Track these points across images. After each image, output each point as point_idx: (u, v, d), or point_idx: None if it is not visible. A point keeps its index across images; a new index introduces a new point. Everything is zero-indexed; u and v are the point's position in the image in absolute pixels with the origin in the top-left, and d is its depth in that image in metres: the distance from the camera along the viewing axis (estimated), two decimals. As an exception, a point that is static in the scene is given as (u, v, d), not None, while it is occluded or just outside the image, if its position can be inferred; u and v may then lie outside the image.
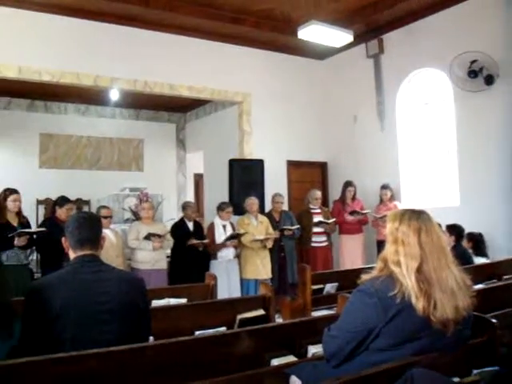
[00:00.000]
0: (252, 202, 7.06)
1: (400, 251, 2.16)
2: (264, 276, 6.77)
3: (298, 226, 7.29)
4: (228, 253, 6.76)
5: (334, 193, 8.88)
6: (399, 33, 8.10)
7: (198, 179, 12.81)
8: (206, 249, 6.77)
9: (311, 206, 7.70)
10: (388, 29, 8.21)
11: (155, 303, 3.87)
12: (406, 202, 7.91)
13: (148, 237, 6.23)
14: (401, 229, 2.19)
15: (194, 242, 6.63)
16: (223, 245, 6.69)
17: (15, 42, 6.77)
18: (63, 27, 7.12)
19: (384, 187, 7.65)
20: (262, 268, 6.84)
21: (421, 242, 2.14)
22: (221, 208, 6.95)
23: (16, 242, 5.27)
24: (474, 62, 6.74)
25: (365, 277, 2.23)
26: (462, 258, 4.66)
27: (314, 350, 2.78)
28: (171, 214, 10.48)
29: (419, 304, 2.04)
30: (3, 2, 6.68)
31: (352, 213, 7.59)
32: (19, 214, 5.64)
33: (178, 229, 6.86)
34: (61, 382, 2.13)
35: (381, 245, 7.13)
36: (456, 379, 2.11)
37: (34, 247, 5.88)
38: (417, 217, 2.21)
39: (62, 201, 6.05)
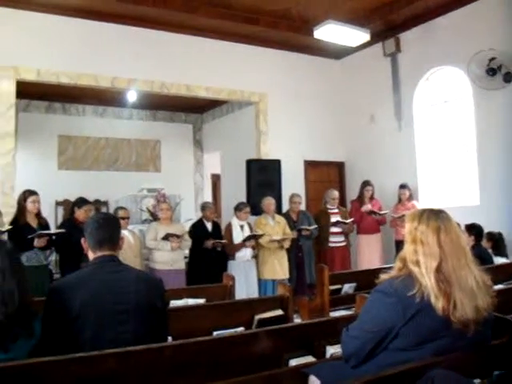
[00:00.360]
0: (269, 202, 7.06)
1: (419, 251, 2.14)
2: (282, 276, 6.76)
3: (316, 226, 7.27)
4: (246, 253, 6.76)
5: (352, 193, 8.85)
6: (416, 31, 8.05)
7: (216, 180, 12.84)
8: (223, 249, 6.78)
9: (329, 206, 7.68)
10: (405, 27, 8.15)
11: (173, 303, 3.88)
12: (425, 201, 7.84)
13: (166, 237, 6.24)
14: (420, 228, 2.18)
15: (210, 243, 6.64)
16: (241, 245, 6.69)
17: (34, 45, 6.85)
18: (81, 30, 7.18)
19: (402, 187, 7.60)
20: (279, 268, 6.83)
21: (440, 242, 2.12)
22: (238, 208, 6.95)
23: (36, 243, 5.32)
24: (492, 59, 6.68)
25: (383, 276, 2.22)
26: (482, 257, 4.61)
27: (333, 350, 2.77)
28: (189, 215, 10.50)
29: (439, 304, 2.03)
30: (21, 5, 6.75)
31: (370, 213, 7.55)
32: (38, 215, 5.70)
33: (197, 229, 6.87)
34: (80, 382, 2.15)
35: (399, 245, 7.09)
36: (477, 381, 2.09)
37: (53, 248, 5.94)
38: (436, 216, 2.19)
39: (81, 202, 6.09)
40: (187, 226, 7.18)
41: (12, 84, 6.75)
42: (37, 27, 6.90)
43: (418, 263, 2.13)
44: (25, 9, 6.79)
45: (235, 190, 9.03)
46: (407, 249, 2.21)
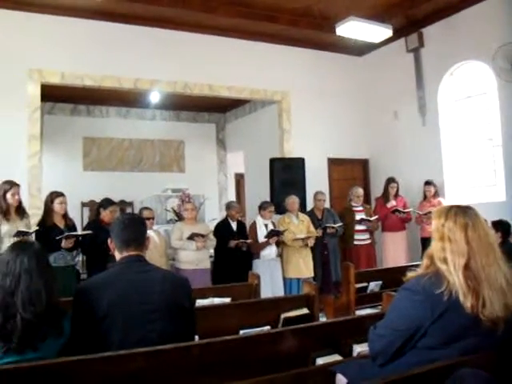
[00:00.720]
0: (293, 200, 7.04)
1: (446, 248, 2.11)
2: (306, 275, 6.74)
3: (341, 224, 7.24)
4: (270, 252, 6.75)
5: (376, 190, 8.78)
6: (439, 26, 7.95)
7: (239, 179, 12.86)
8: (248, 248, 6.79)
9: (353, 204, 7.64)
10: (427, 22, 8.07)
11: (199, 303, 3.90)
12: (450, 198, 7.76)
13: (191, 237, 6.27)
14: (447, 225, 2.15)
15: (234, 243, 6.65)
16: (266, 243, 6.68)
17: (57, 48, 6.94)
18: (103, 32, 7.25)
19: (427, 183, 7.52)
20: (304, 267, 6.82)
21: (468, 239, 2.09)
22: (263, 207, 6.95)
23: (63, 244, 5.39)
24: (518, 52, 6.59)
25: (411, 274, 2.20)
26: (510, 254, 4.54)
27: (360, 348, 2.76)
28: (213, 214, 10.53)
29: (467, 302, 2.00)
30: (44, 9, 6.84)
31: (394, 211, 7.48)
32: (65, 216, 5.77)
33: (222, 229, 6.89)
34: (109, 380, 2.18)
35: (425, 242, 7.03)
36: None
37: (80, 249, 6.01)
38: (463, 213, 2.16)
39: (106, 203, 6.14)
40: (212, 226, 7.21)
41: (37, 87, 6.84)
42: (60, 31, 6.99)
43: (445, 260, 2.10)
44: (48, 13, 6.88)
45: (259, 189, 9.03)
46: (434, 246, 2.18)
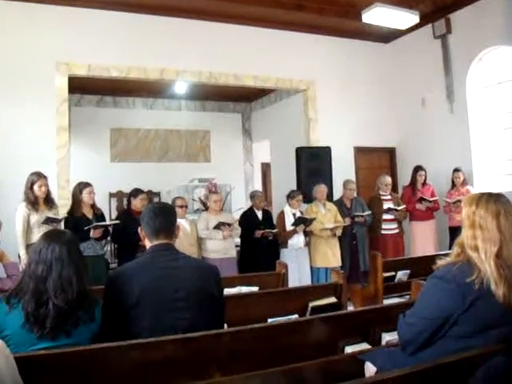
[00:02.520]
0: (322, 189, 7.01)
1: (478, 236, 2.09)
2: (334, 264, 6.71)
3: (370, 212, 7.19)
4: (298, 241, 6.75)
5: (403, 179, 8.69)
6: (467, 11, 7.78)
7: (265, 168, 12.85)
8: (275, 238, 6.79)
9: (381, 193, 7.57)
10: (455, 7, 7.90)
11: (227, 291, 3.91)
12: (479, 186, 7.63)
13: (218, 226, 6.31)
14: (478, 213, 2.12)
15: (259, 233, 6.66)
16: (293, 231, 6.68)
17: (84, 40, 6.99)
18: (128, 23, 7.28)
19: (456, 170, 7.41)
20: (331, 256, 6.80)
21: (500, 226, 2.06)
22: (291, 196, 6.95)
23: (91, 234, 5.47)
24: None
25: (441, 262, 2.18)
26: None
27: (389, 337, 2.75)
28: (239, 204, 10.56)
29: (499, 291, 1.98)
30: (70, 2, 6.90)
31: (420, 200, 7.40)
32: (93, 206, 5.85)
33: (248, 218, 6.92)
34: (139, 367, 2.22)
35: (453, 231, 6.96)
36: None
37: (109, 239, 6.09)
38: (495, 200, 2.13)
39: (136, 192, 6.27)
40: (237, 215, 7.23)
41: (64, 80, 6.91)
42: (86, 23, 7.03)
43: (476, 249, 2.08)
44: (74, 5, 6.93)
45: (285, 178, 9.01)
46: (465, 234, 2.15)
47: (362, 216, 7.08)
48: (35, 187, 5.37)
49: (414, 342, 2.14)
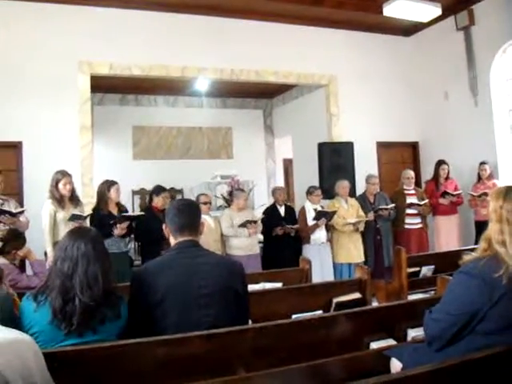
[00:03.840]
0: (345, 185, 6.98)
1: (505, 230, 2.06)
2: (357, 260, 6.68)
3: (393, 205, 7.14)
4: (320, 236, 6.74)
5: (426, 174, 8.60)
6: (490, 2, 7.65)
7: (287, 164, 12.84)
8: (297, 233, 6.79)
9: (405, 187, 7.52)
10: (478, -2, 7.82)
11: (251, 288, 3.91)
12: (506, 180, 7.52)
13: (244, 224, 6.33)
14: (505, 207, 2.09)
15: (280, 231, 6.66)
16: (315, 226, 6.66)
17: (105, 39, 7.04)
18: (150, 22, 7.32)
19: (483, 163, 7.31)
20: (355, 252, 6.77)
21: (528, 221, 2.04)
22: (309, 192, 6.94)
23: (116, 231, 5.50)
24: None
25: (467, 258, 2.15)
26: None
27: (414, 333, 2.74)
28: (262, 200, 10.57)
29: (527, 286, 1.95)
30: (92, 2, 6.96)
31: (443, 194, 7.32)
32: (118, 203, 5.90)
33: (270, 214, 6.92)
34: (165, 363, 2.24)
35: (479, 226, 6.87)
36: None
37: (133, 236, 6.13)
38: (523, 194, 2.10)
39: (158, 189, 6.31)
40: (260, 212, 7.23)
41: (87, 79, 6.98)
42: (108, 22, 7.09)
43: (504, 243, 2.05)
44: (96, 5, 7.00)
45: (307, 174, 8.98)
46: (492, 228, 2.12)
47: (386, 209, 7.04)
48: (60, 185, 5.43)
49: (440, 338, 2.12)
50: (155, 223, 5.61)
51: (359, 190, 7.65)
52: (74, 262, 2.37)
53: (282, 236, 6.69)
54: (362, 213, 6.94)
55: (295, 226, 6.73)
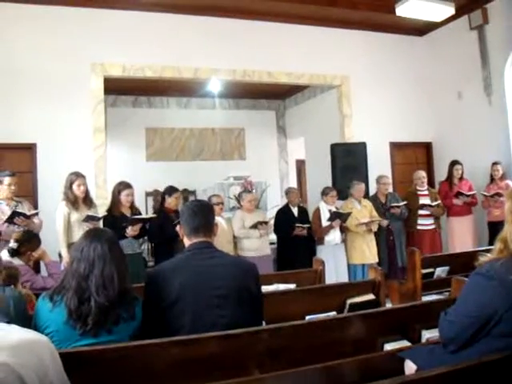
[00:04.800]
0: (361, 188, 6.98)
1: (521, 231, 2.04)
2: (371, 260, 6.68)
3: (405, 202, 7.15)
4: (334, 237, 6.73)
5: (440, 174, 8.55)
6: (504, 0, 7.60)
7: (300, 165, 12.82)
8: (310, 234, 6.78)
9: (418, 188, 7.49)
10: (492, -3, 7.77)
11: (264, 289, 3.90)
12: (520, 180, 7.47)
13: (255, 225, 6.34)
14: (521, 207, 2.07)
15: (295, 232, 6.65)
16: (329, 227, 6.65)
17: (118, 41, 7.09)
18: (161, 24, 7.35)
19: (495, 163, 7.28)
20: (368, 252, 6.76)
21: (543, 221, 2.02)
22: (325, 193, 6.93)
23: (129, 231, 5.51)
24: None
25: (483, 259, 2.13)
26: None
27: (429, 334, 2.72)
28: (275, 201, 10.56)
29: (544, 288, 1.93)
30: (104, 4, 7.01)
31: (457, 194, 7.28)
32: (132, 206, 5.91)
33: (284, 215, 6.92)
34: (179, 363, 2.25)
35: (493, 226, 6.83)
36: None
37: (146, 237, 6.15)
38: (538, 194, 2.08)
39: (170, 190, 6.31)
40: (273, 213, 7.24)
41: (100, 81, 7.02)
42: (120, 24, 7.13)
43: (520, 245, 2.03)
44: (108, 8, 7.04)
45: (320, 175, 8.98)
46: (508, 229, 2.10)
47: (398, 207, 7.02)
48: (74, 186, 5.46)
49: (456, 340, 2.10)
50: (168, 224, 5.64)
51: (372, 191, 7.63)
52: (91, 262, 2.39)
53: (296, 237, 6.68)
54: (375, 213, 6.94)
55: (306, 225, 6.71)
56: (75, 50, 6.84)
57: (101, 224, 5.53)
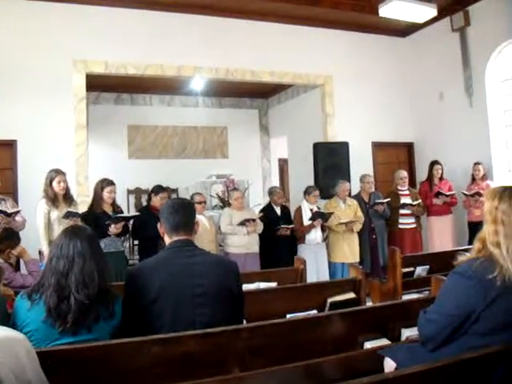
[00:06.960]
0: (345, 187, 7.00)
1: (500, 231, 2.05)
2: (351, 260, 6.67)
3: (388, 200, 7.20)
4: (316, 236, 6.74)
5: (422, 174, 8.62)
6: (486, 3, 7.67)
7: (283, 164, 12.83)
8: (292, 233, 6.78)
9: (399, 188, 7.54)
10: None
11: (246, 287, 3.91)
12: (499, 180, 7.54)
13: (243, 223, 6.34)
14: (501, 207, 2.08)
15: (285, 231, 6.65)
16: (311, 226, 6.67)
17: (100, 38, 7.04)
18: (145, 21, 7.31)
19: (477, 163, 7.35)
20: (349, 252, 6.79)
21: (523, 222, 2.04)
22: (307, 192, 6.94)
23: (111, 229, 5.47)
24: None
25: (462, 258, 2.15)
26: None
27: (409, 333, 2.74)
28: (257, 200, 10.57)
29: (521, 288, 1.95)
30: (87, 0, 6.94)
31: (437, 194, 7.35)
32: (113, 203, 5.87)
33: (268, 214, 6.91)
34: (159, 362, 2.24)
35: (473, 226, 6.90)
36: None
37: (128, 235, 6.11)
38: (518, 195, 2.10)
39: (158, 189, 6.29)
40: (256, 211, 7.23)
41: (82, 78, 6.96)
42: (103, 21, 7.08)
43: (498, 245, 2.04)
44: (91, 4, 6.98)
45: (303, 173, 9.00)
46: (487, 229, 2.11)
47: (382, 203, 7.07)
48: (54, 183, 5.42)
49: (434, 338, 2.12)
50: (153, 223, 5.60)
51: (354, 190, 7.65)
52: (70, 260, 2.36)
53: (278, 236, 6.69)
54: (360, 213, 6.96)
55: (290, 226, 6.73)
56: (57, 47, 6.78)
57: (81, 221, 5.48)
